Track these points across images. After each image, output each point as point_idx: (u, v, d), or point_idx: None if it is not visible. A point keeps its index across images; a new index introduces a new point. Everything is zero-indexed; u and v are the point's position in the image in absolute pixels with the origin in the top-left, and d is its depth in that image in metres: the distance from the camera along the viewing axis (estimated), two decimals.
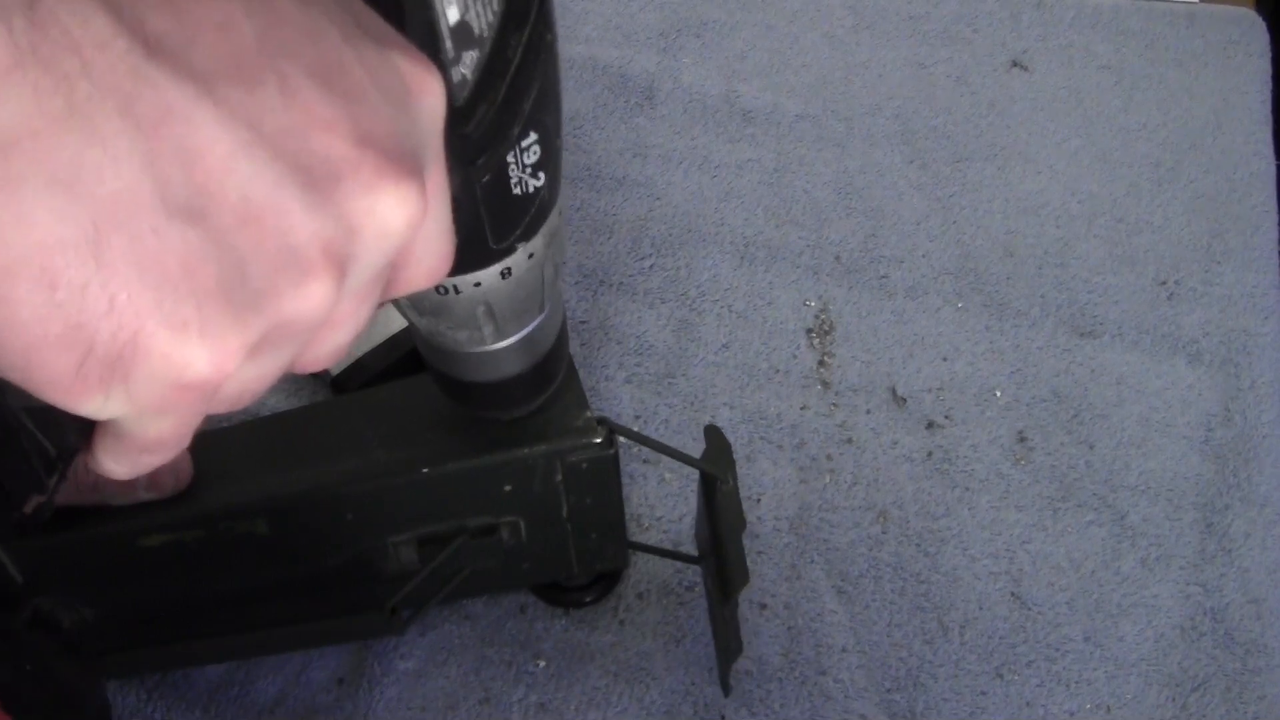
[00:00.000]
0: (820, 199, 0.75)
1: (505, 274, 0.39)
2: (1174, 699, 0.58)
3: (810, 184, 0.76)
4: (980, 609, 0.60)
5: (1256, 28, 0.85)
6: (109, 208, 0.21)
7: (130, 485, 0.48)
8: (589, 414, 0.50)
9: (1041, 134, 0.79)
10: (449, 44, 0.30)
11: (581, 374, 0.66)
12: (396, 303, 0.40)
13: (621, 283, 0.71)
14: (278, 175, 0.23)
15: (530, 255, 0.39)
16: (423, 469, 0.49)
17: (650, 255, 0.72)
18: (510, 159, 0.35)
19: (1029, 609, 0.60)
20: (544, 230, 0.39)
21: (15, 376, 0.23)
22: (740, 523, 0.50)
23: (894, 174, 0.76)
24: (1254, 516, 0.63)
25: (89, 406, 0.24)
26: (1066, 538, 0.62)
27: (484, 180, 0.35)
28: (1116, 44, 0.83)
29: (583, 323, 0.69)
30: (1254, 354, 0.69)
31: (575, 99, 0.80)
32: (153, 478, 0.48)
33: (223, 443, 0.52)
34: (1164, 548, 0.62)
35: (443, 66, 0.30)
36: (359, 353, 0.63)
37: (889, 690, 0.58)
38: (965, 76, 0.82)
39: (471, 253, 0.37)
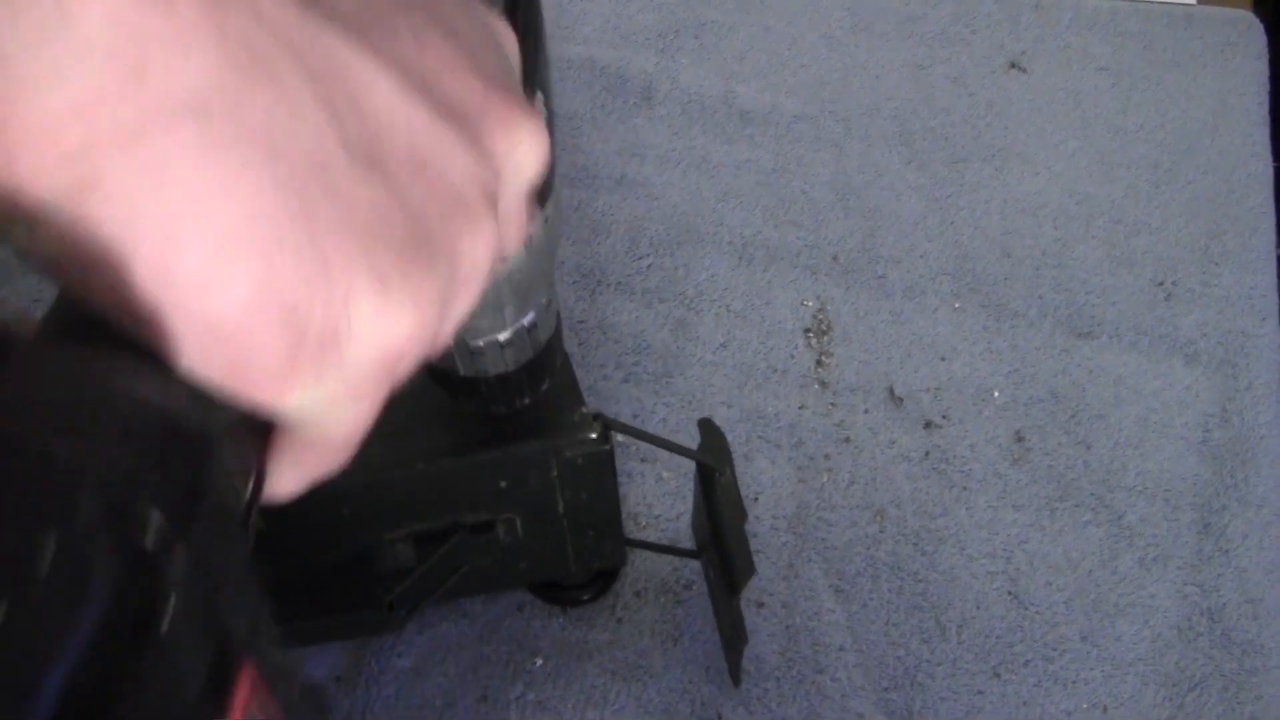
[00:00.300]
0: (818, 199, 0.75)
1: (528, 243, 0.39)
2: (1171, 699, 0.58)
3: (808, 184, 0.76)
4: (978, 608, 0.60)
5: (1254, 30, 0.85)
6: (306, 165, 0.20)
7: None
8: (584, 409, 0.50)
9: (1039, 135, 0.79)
10: None
11: (579, 373, 0.66)
12: None
13: (619, 282, 0.71)
14: (434, 118, 0.23)
15: (545, 220, 0.39)
16: (418, 464, 0.49)
17: (648, 255, 0.72)
18: None
19: (1026, 608, 0.60)
20: (552, 199, 0.39)
21: (219, 372, 0.21)
22: (741, 514, 0.50)
23: (892, 174, 0.76)
24: (1251, 517, 0.63)
25: (295, 397, 0.22)
26: (1064, 537, 0.62)
27: None
28: (1114, 45, 0.83)
29: (581, 322, 0.69)
30: (1251, 355, 0.69)
31: (573, 99, 0.80)
32: None
33: None
34: (1161, 548, 0.62)
35: None
36: None
37: (886, 689, 0.58)
38: (963, 78, 0.82)
39: None
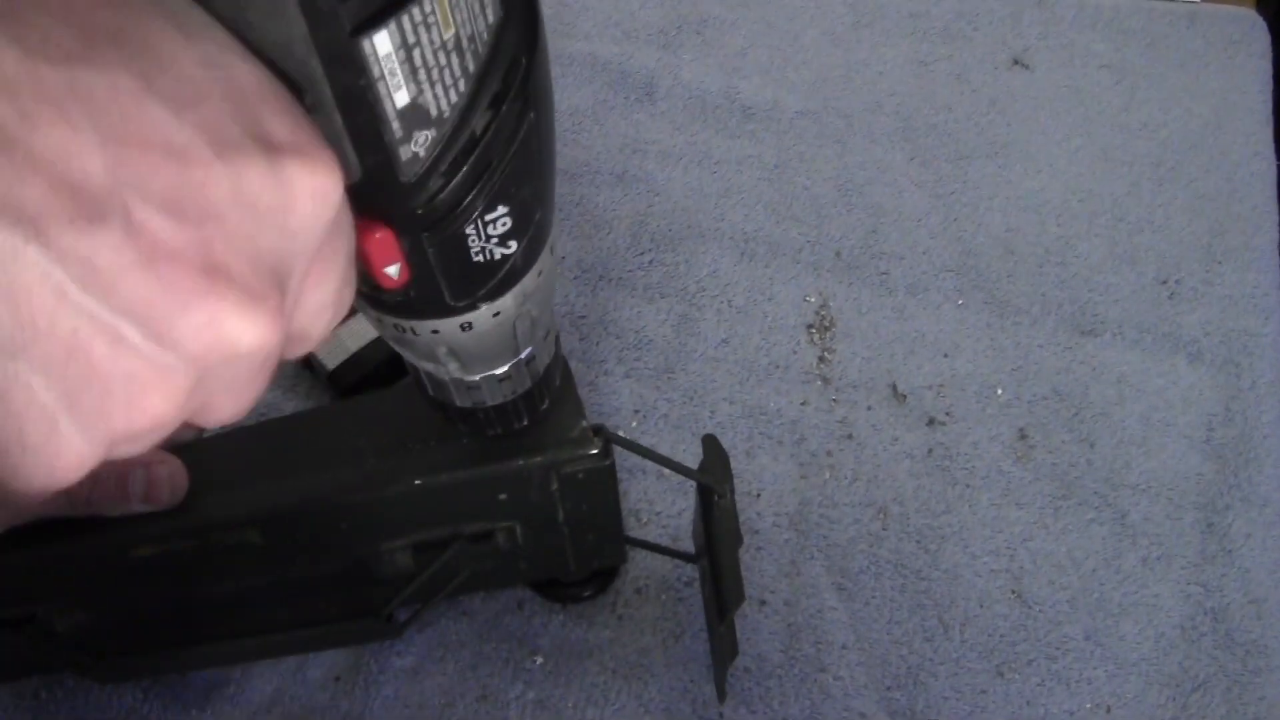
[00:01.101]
0: (820, 195, 0.75)
1: (465, 327, 0.37)
2: (1174, 699, 0.58)
3: (810, 180, 0.75)
4: (981, 607, 0.60)
5: (1257, 28, 0.85)
6: None
7: (125, 498, 0.47)
8: (585, 424, 0.49)
9: (1042, 132, 0.78)
10: (395, 125, 0.28)
11: (580, 369, 0.66)
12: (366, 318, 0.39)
13: (621, 278, 0.70)
14: (111, 311, 0.23)
15: (496, 314, 0.37)
16: (416, 480, 0.49)
17: (650, 250, 0.72)
18: (470, 230, 0.33)
19: (1029, 607, 0.60)
20: (514, 292, 0.37)
21: None
22: (737, 539, 0.49)
23: (894, 171, 0.76)
24: (1255, 517, 0.63)
25: None
26: (1067, 536, 0.62)
27: (436, 248, 0.33)
28: (1117, 43, 0.83)
29: (582, 318, 0.68)
30: (1255, 354, 0.69)
31: (574, 95, 0.79)
32: (149, 492, 0.48)
33: (216, 450, 0.52)
34: (1165, 547, 0.62)
35: (388, 145, 0.28)
36: (355, 346, 0.62)
37: (889, 688, 0.57)
38: (966, 74, 0.81)
39: (427, 305, 0.36)
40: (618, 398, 0.66)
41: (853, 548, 0.61)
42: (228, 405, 0.27)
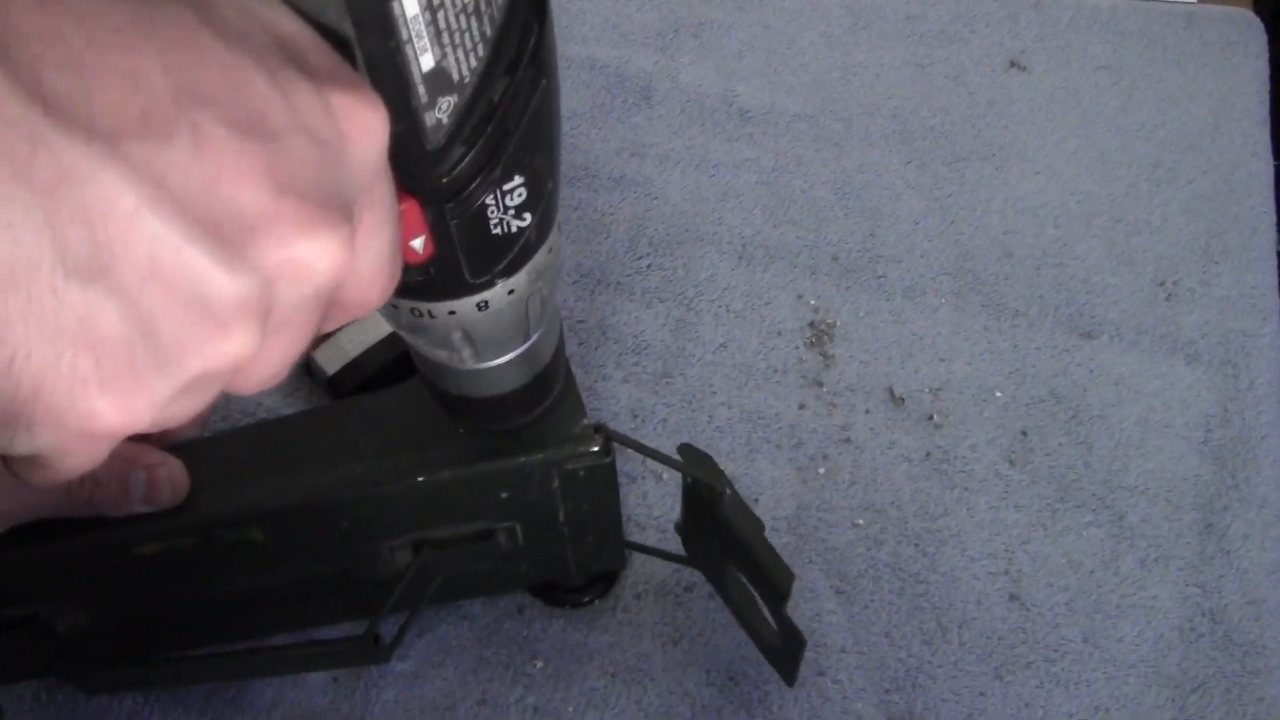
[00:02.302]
0: (818, 199, 0.75)
1: (482, 306, 0.38)
2: (1173, 700, 0.58)
3: (808, 184, 0.76)
4: (979, 609, 0.60)
5: (1254, 28, 0.85)
6: (4, 271, 0.21)
7: (126, 499, 0.48)
8: (586, 422, 0.49)
9: (1040, 134, 0.78)
10: (421, 89, 0.29)
11: (579, 373, 0.66)
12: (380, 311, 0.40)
13: (619, 282, 0.70)
14: (186, 231, 0.22)
15: (511, 291, 0.38)
16: (418, 477, 0.49)
17: (648, 254, 0.72)
18: (490, 200, 0.34)
19: (1028, 610, 0.60)
20: (528, 269, 0.38)
21: None
22: (759, 524, 0.50)
23: (892, 174, 0.76)
24: (1253, 518, 0.63)
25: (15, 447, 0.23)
26: (1065, 538, 0.62)
27: (459, 219, 0.33)
28: (1114, 44, 0.83)
29: (580, 322, 0.69)
30: (1252, 355, 0.69)
31: (573, 99, 0.80)
32: (150, 493, 0.48)
33: (217, 450, 0.52)
34: (1163, 549, 0.62)
35: (415, 111, 0.29)
36: (355, 352, 0.62)
37: (887, 691, 0.57)
38: (963, 77, 0.81)
39: (446, 283, 0.36)
40: (616, 402, 0.66)
41: (851, 551, 0.61)
42: (276, 353, 0.26)
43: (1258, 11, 0.86)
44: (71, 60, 0.21)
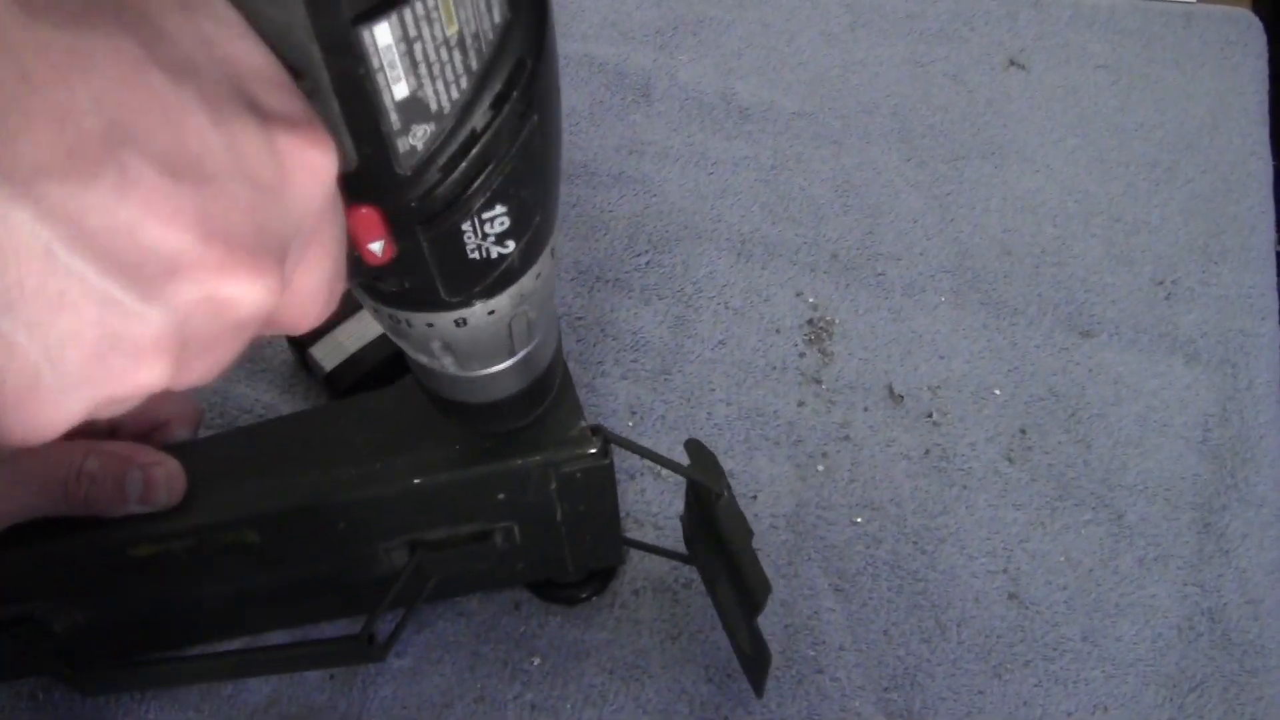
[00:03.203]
0: (817, 196, 0.75)
1: (460, 323, 0.37)
2: (1171, 699, 0.58)
3: (807, 181, 0.75)
4: (978, 608, 0.60)
5: (1254, 28, 0.85)
6: None
7: (122, 499, 0.48)
8: (583, 424, 0.49)
9: (1039, 133, 0.78)
10: (394, 117, 0.28)
11: (577, 370, 0.66)
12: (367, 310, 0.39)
13: (618, 279, 0.70)
14: (101, 270, 0.22)
15: (491, 312, 0.37)
16: (414, 479, 0.49)
17: (647, 252, 0.72)
18: (466, 227, 0.33)
19: (1026, 608, 0.60)
20: (510, 292, 0.37)
21: None
22: (747, 532, 0.49)
23: (891, 172, 0.76)
24: (1251, 517, 0.63)
25: None
26: (1064, 537, 0.62)
27: (430, 241, 0.33)
28: (1114, 43, 0.83)
29: (579, 319, 0.68)
30: (1251, 354, 0.69)
31: (571, 96, 0.79)
32: (145, 493, 0.48)
33: (214, 451, 0.52)
34: (1162, 547, 0.62)
35: (385, 136, 0.29)
36: (353, 347, 0.62)
37: (886, 689, 0.57)
38: (962, 75, 0.81)
39: (422, 297, 0.36)
40: (614, 399, 0.66)
41: (849, 549, 0.61)
42: (201, 368, 0.26)
43: (1257, 11, 0.87)
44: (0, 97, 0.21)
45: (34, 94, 0.21)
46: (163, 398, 0.53)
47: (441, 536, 0.52)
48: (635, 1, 0.85)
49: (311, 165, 0.26)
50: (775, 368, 0.67)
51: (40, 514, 0.47)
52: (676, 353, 0.67)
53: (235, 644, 0.57)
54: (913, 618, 0.59)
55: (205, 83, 0.24)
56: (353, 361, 0.62)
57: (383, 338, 0.62)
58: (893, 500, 0.63)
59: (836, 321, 0.69)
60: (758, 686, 0.54)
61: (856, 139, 0.78)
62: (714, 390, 0.66)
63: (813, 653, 0.58)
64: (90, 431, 0.51)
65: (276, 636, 0.57)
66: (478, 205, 0.32)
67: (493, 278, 0.35)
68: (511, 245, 0.35)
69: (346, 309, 0.63)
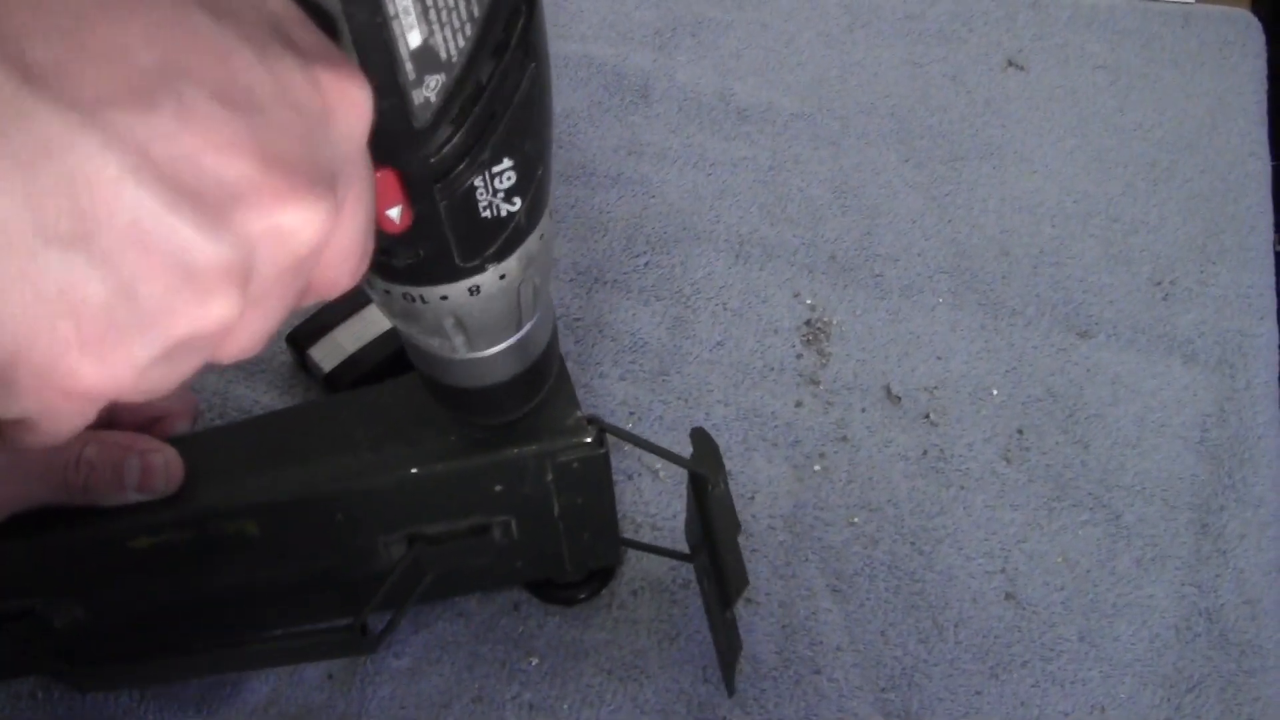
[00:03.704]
0: (815, 197, 0.75)
1: (473, 291, 0.38)
2: (1169, 700, 0.58)
3: (805, 182, 0.76)
4: (975, 608, 0.60)
5: (1252, 28, 0.85)
6: None
7: (120, 487, 0.48)
8: (579, 414, 0.50)
9: (1037, 133, 0.78)
10: (409, 66, 0.29)
11: (575, 371, 0.66)
12: (375, 300, 0.40)
13: (616, 280, 0.70)
14: (168, 199, 0.23)
15: (502, 276, 0.38)
16: (412, 469, 0.49)
17: (645, 252, 0.72)
18: (479, 183, 0.34)
19: (1024, 608, 0.60)
20: (519, 254, 0.38)
21: None
22: (735, 525, 0.50)
23: (889, 173, 0.76)
24: (1249, 517, 0.63)
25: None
26: (1061, 537, 0.62)
27: (447, 201, 0.34)
28: (1112, 44, 0.83)
29: (577, 320, 0.69)
30: (1249, 354, 0.69)
31: (570, 97, 0.80)
32: (143, 480, 0.48)
33: (212, 443, 0.52)
34: (1159, 548, 0.62)
35: (402, 88, 0.30)
36: (352, 348, 0.62)
37: (884, 689, 0.57)
38: (961, 76, 0.81)
39: (436, 267, 0.36)
40: (612, 400, 0.66)
41: (847, 549, 0.61)
42: (255, 323, 0.27)
43: (1255, 11, 0.87)
44: (56, 32, 0.21)
45: (90, 30, 0.22)
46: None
47: (440, 530, 0.52)
48: (634, 2, 0.85)
49: (353, 100, 0.26)
50: (773, 368, 0.67)
51: (39, 502, 0.47)
52: (674, 353, 0.68)
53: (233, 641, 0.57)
54: (910, 618, 0.59)
55: (245, 23, 0.24)
56: (352, 362, 0.62)
57: (382, 338, 0.62)
58: (890, 501, 0.63)
59: (834, 322, 0.69)
60: (729, 681, 0.55)
61: (855, 140, 0.78)
62: (712, 391, 0.66)
63: (810, 653, 0.58)
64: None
65: (276, 633, 0.57)
66: (488, 158, 0.33)
67: (504, 237, 0.36)
68: (519, 202, 0.36)
69: (344, 311, 0.63)
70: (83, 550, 0.50)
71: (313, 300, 0.30)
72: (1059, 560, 0.61)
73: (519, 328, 0.42)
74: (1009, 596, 0.60)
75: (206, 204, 0.23)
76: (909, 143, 0.78)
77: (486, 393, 0.45)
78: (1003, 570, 0.61)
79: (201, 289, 0.24)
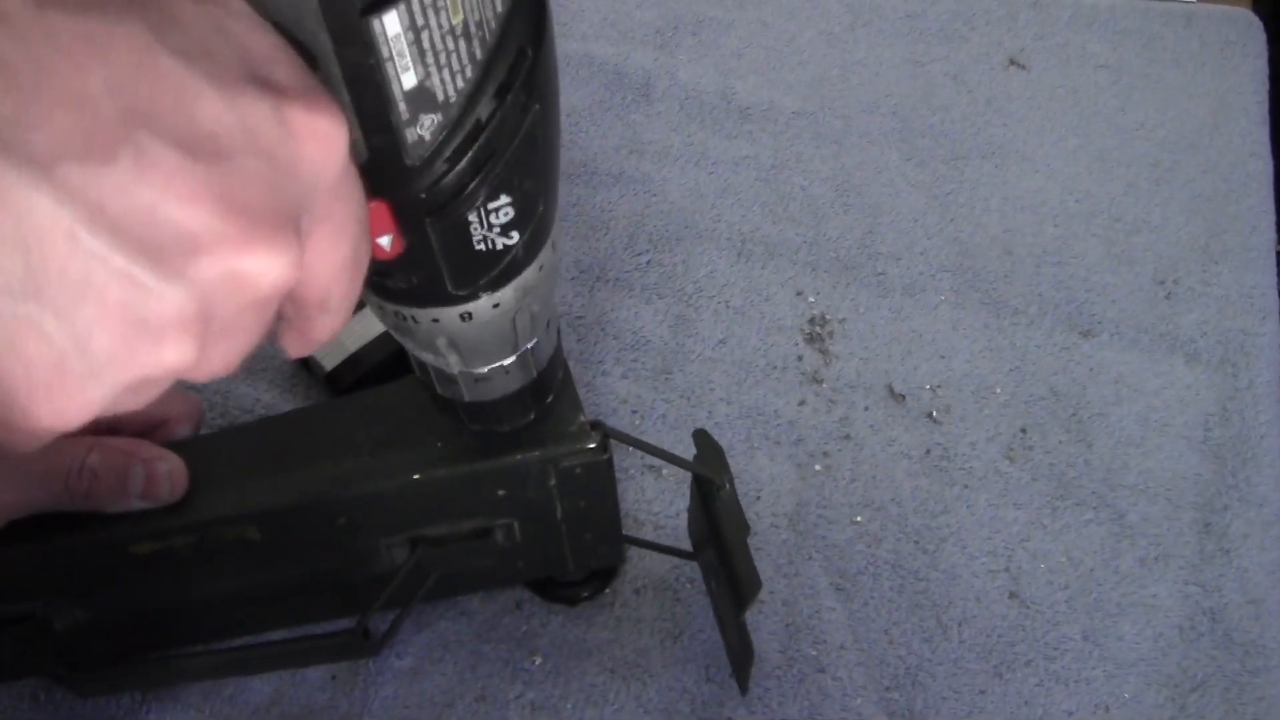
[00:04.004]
0: (817, 196, 0.75)
1: (465, 317, 0.37)
2: (1173, 699, 0.58)
3: (807, 181, 0.75)
4: (979, 607, 0.60)
5: (1254, 28, 0.85)
6: None
7: (124, 494, 0.48)
8: (583, 419, 0.49)
9: (1039, 133, 0.78)
10: (402, 106, 0.29)
11: (578, 369, 0.66)
12: (370, 309, 0.40)
13: (618, 278, 0.70)
14: (123, 252, 0.23)
15: (496, 305, 0.38)
16: (414, 475, 0.49)
17: (647, 251, 0.71)
18: (473, 218, 0.33)
19: (1028, 607, 0.60)
20: (515, 285, 0.37)
21: None
22: (744, 527, 0.50)
23: (891, 171, 0.76)
24: (1252, 517, 0.63)
25: None
26: (1065, 536, 0.62)
27: (440, 233, 0.33)
28: (1114, 43, 0.83)
29: (579, 318, 0.68)
30: (1252, 354, 0.69)
31: (572, 96, 0.79)
32: (148, 488, 0.48)
33: (214, 447, 0.52)
34: (1163, 547, 0.62)
35: (395, 127, 0.29)
36: (354, 346, 0.62)
37: (887, 688, 0.57)
38: (962, 75, 0.81)
39: (428, 292, 0.36)
40: (615, 398, 0.66)
41: (850, 548, 0.61)
42: (225, 351, 0.27)
43: (1257, 11, 0.87)
44: (14, 84, 0.21)
45: (49, 81, 0.22)
46: (165, 395, 0.53)
47: (442, 533, 0.52)
48: (635, 1, 0.85)
49: (321, 133, 0.26)
50: (776, 367, 0.67)
51: (42, 508, 0.47)
52: (677, 352, 0.67)
53: (235, 643, 0.57)
54: (914, 617, 0.59)
55: (216, 65, 0.24)
56: (353, 360, 0.62)
57: (383, 336, 0.62)
58: (893, 499, 0.63)
59: (837, 321, 0.69)
60: (742, 683, 0.55)
61: (857, 139, 0.78)
62: (714, 389, 0.66)
63: (814, 652, 0.58)
64: (92, 428, 0.51)
65: (277, 636, 0.57)
66: (483, 196, 0.33)
67: (498, 270, 0.36)
68: (516, 236, 0.35)
69: None
70: (84, 554, 0.50)
71: (312, 321, 0.30)
72: (1063, 559, 0.61)
73: (515, 350, 0.42)
74: (1013, 595, 0.60)
75: (163, 255, 0.23)
76: (911, 141, 0.78)
77: (485, 406, 0.45)
78: (1006, 569, 0.61)
79: (156, 336, 0.24)
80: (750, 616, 0.58)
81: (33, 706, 0.56)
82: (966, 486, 0.63)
